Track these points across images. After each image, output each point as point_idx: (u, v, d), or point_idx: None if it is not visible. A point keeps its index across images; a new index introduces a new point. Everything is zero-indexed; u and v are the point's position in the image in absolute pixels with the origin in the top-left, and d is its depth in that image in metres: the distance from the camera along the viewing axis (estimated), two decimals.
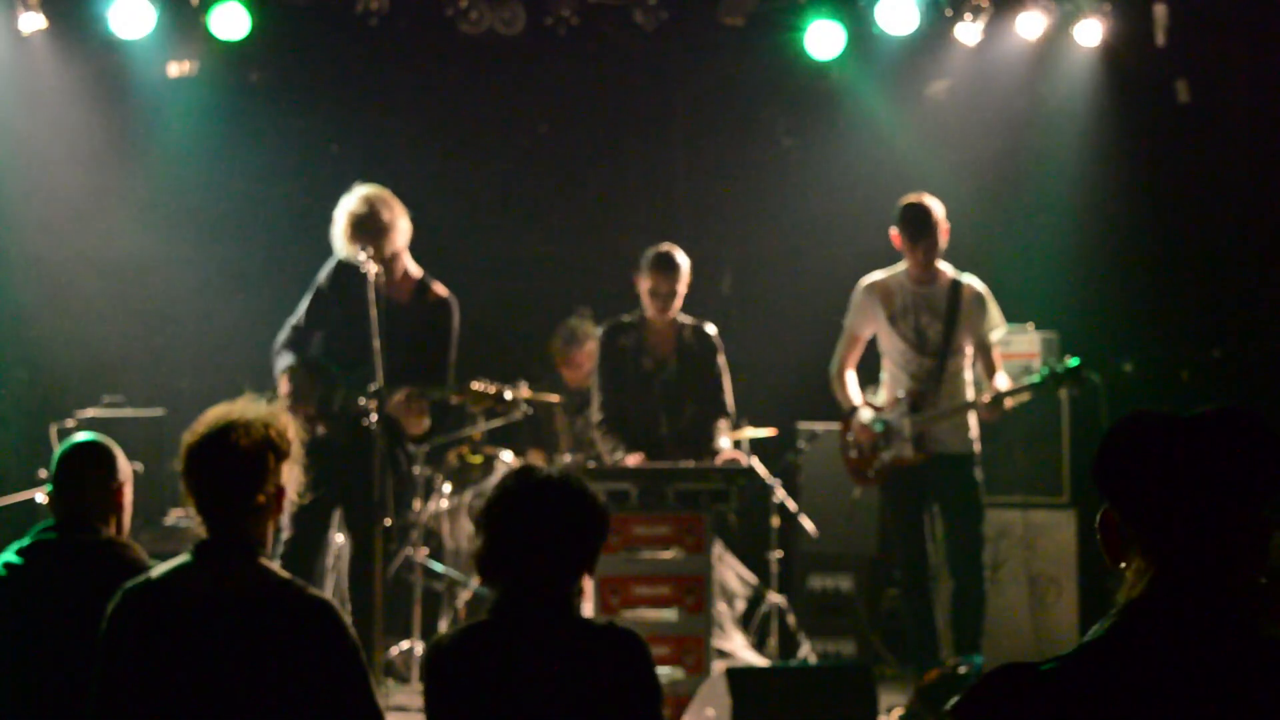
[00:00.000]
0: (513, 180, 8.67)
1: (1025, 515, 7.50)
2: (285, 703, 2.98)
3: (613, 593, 6.09)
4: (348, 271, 6.07)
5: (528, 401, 7.49)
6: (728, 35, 7.86)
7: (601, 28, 7.83)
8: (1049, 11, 7.82)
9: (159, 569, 3.13)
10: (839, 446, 6.84)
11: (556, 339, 8.05)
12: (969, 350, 6.58)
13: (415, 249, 6.25)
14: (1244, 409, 2.03)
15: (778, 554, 7.19)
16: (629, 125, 8.49)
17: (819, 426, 7.74)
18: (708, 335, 6.75)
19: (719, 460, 6.41)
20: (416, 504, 7.14)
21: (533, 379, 7.40)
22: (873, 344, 6.77)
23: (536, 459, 7.75)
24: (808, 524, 7.37)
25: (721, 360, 6.74)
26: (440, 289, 6.18)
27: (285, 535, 5.82)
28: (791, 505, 7.33)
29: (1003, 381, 6.53)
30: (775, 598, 7.13)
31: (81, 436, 3.94)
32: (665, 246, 6.62)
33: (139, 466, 3.97)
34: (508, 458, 7.49)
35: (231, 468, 3.09)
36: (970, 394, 6.55)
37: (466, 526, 7.45)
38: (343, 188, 6.13)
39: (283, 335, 6.16)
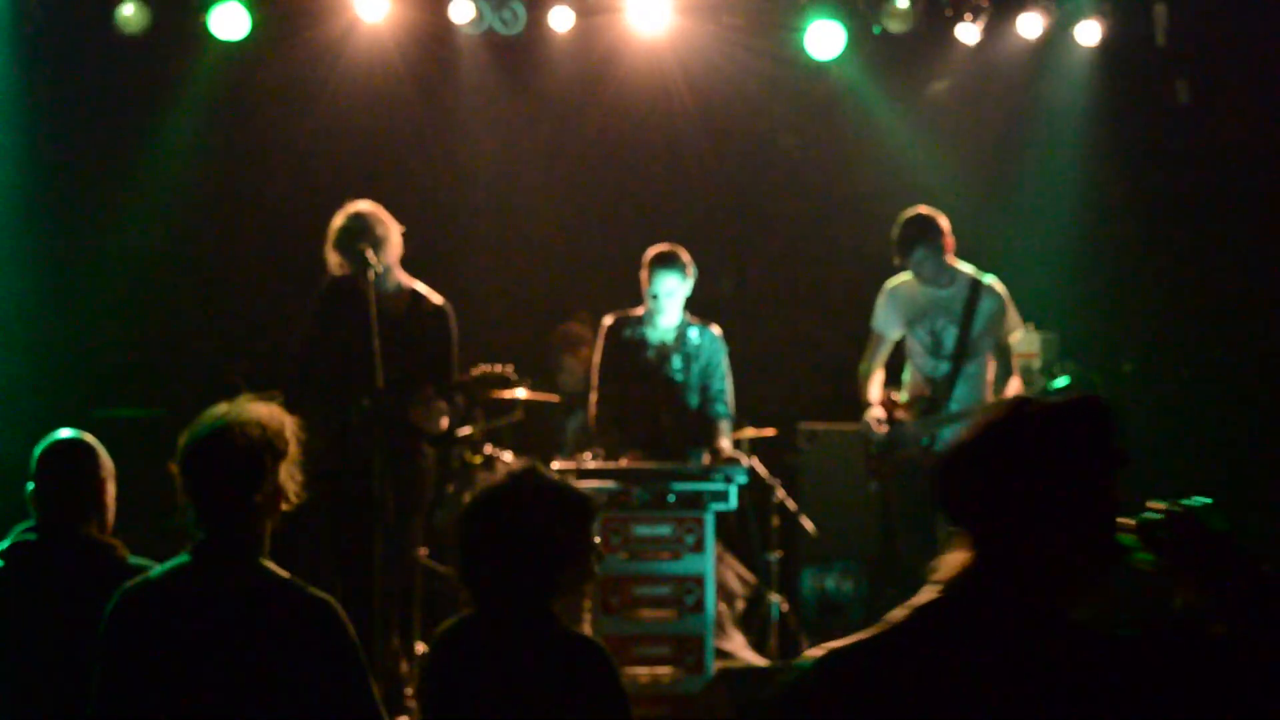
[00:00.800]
0: (513, 180, 8.66)
1: None
2: (286, 702, 2.98)
3: (612, 593, 6.09)
4: (341, 287, 6.10)
5: (527, 402, 7.49)
6: (729, 35, 7.86)
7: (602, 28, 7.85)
8: (1049, 11, 7.82)
9: (157, 569, 3.12)
10: (861, 443, 6.89)
11: (556, 339, 8.05)
12: (988, 353, 6.61)
13: (416, 249, 6.25)
14: (1091, 397, 2.19)
15: (778, 554, 7.19)
16: (630, 126, 8.48)
17: (819, 426, 7.74)
18: (712, 335, 6.76)
19: (719, 460, 6.41)
20: None
21: (531, 380, 7.39)
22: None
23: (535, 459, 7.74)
24: (808, 524, 7.37)
25: (725, 360, 6.75)
26: (435, 297, 6.20)
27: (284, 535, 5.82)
28: (791, 505, 7.32)
29: (1013, 388, 6.55)
30: (775, 598, 7.13)
31: (62, 433, 3.90)
32: (668, 246, 6.63)
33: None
34: (508, 458, 7.49)
35: (229, 467, 3.08)
36: (990, 396, 6.58)
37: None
38: (342, 187, 6.14)
39: (287, 365, 6.19)
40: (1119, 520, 2.13)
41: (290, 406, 5.85)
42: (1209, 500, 2.15)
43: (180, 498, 3.16)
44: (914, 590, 7.54)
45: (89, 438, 3.87)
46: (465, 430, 7.46)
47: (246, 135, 8.29)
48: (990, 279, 6.67)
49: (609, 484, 6.24)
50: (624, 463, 6.38)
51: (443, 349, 6.14)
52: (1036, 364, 7.01)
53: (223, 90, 8.08)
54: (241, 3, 7.37)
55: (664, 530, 6.18)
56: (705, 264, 6.88)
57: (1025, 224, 8.13)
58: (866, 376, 6.80)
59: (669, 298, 6.56)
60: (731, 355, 6.82)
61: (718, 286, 8.00)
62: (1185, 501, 2.16)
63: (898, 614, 2.10)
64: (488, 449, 7.49)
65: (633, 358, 6.68)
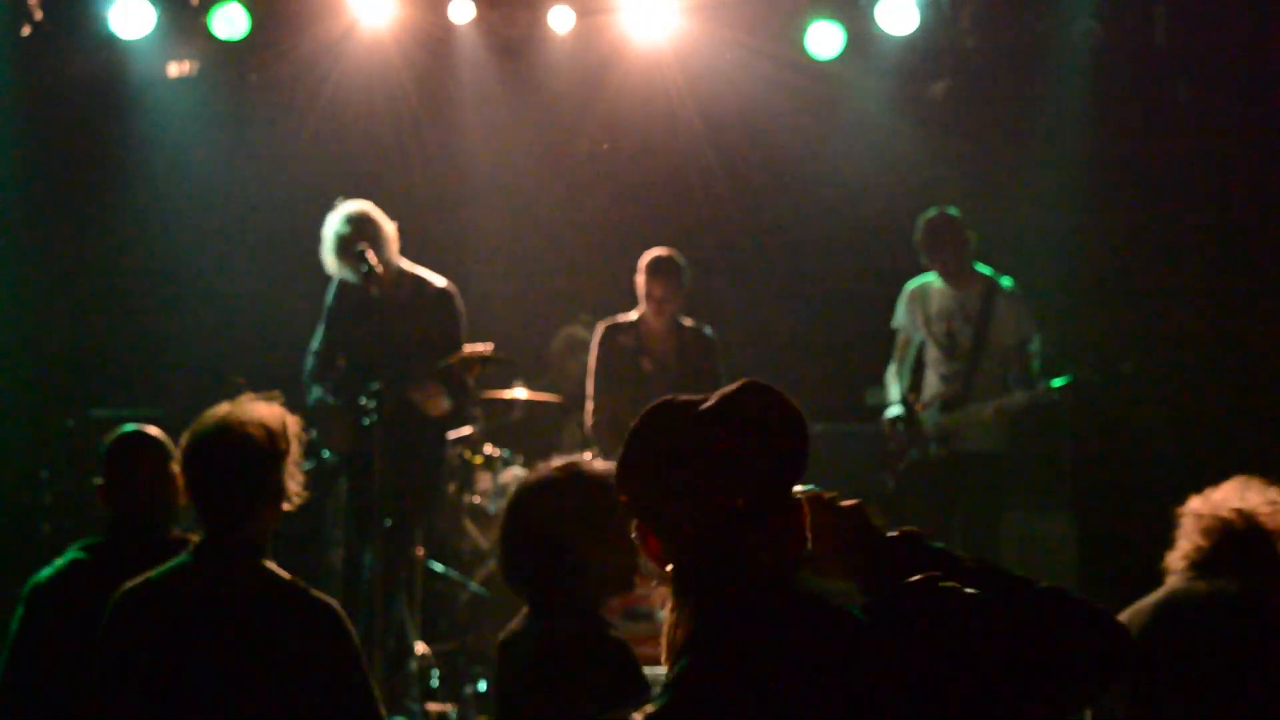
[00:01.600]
0: (514, 180, 8.66)
1: (1025, 515, 7.50)
2: (286, 703, 2.98)
3: None
4: (348, 288, 6.14)
5: (527, 402, 7.50)
6: (729, 35, 7.86)
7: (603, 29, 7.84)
8: (1048, 11, 7.81)
9: (158, 569, 3.12)
10: (877, 442, 6.96)
11: (557, 344, 8.04)
12: (1002, 354, 6.67)
13: (415, 250, 6.25)
14: (759, 384, 2.10)
15: None
16: (630, 126, 8.48)
17: (819, 426, 7.74)
18: (707, 337, 6.76)
19: None
20: None
21: (531, 380, 7.39)
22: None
23: (535, 459, 7.75)
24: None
25: (720, 363, 6.75)
26: (438, 280, 6.22)
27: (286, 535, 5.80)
28: None
29: (1022, 389, 6.60)
30: None
31: (130, 427, 3.86)
32: (663, 250, 6.64)
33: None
34: (508, 457, 7.49)
35: (230, 468, 3.08)
36: (1004, 396, 6.65)
37: (467, 526, 7.44)
38: (342, 188, 6.13)
39: (308, 364, 6.23)
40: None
41: (315, 404, 5.92)
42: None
43: (182, 498, 3.16)
44: None
45: (158, 432, 3.84)
46: (465, 430, 7.46)
47: (246, 135, 8.28)
48: (1008, 282, 6.73)
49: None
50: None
51: (450, 331, 6.15)
52: (1036, 364, 7.02)
53: (223, 90, 8.07)
54: (241, 3, 7.36)
55: None
56: (704, 264, 6.88)
57: (1025, 224, 8.12)
58: (893, 377, 6.88)
59: (665, 302, 6.58)
60: (731, 355, 6.82)
61: (717, 286, 8.01)
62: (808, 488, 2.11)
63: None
64: (488, 449, 7.49)
65: (628, 362, 6.69)
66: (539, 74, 8.24)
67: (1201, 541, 3.59)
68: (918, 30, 7.72)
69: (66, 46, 7.65)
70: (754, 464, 2.00)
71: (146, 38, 7.43)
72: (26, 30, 7.44)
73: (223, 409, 3.16)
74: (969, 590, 1.96)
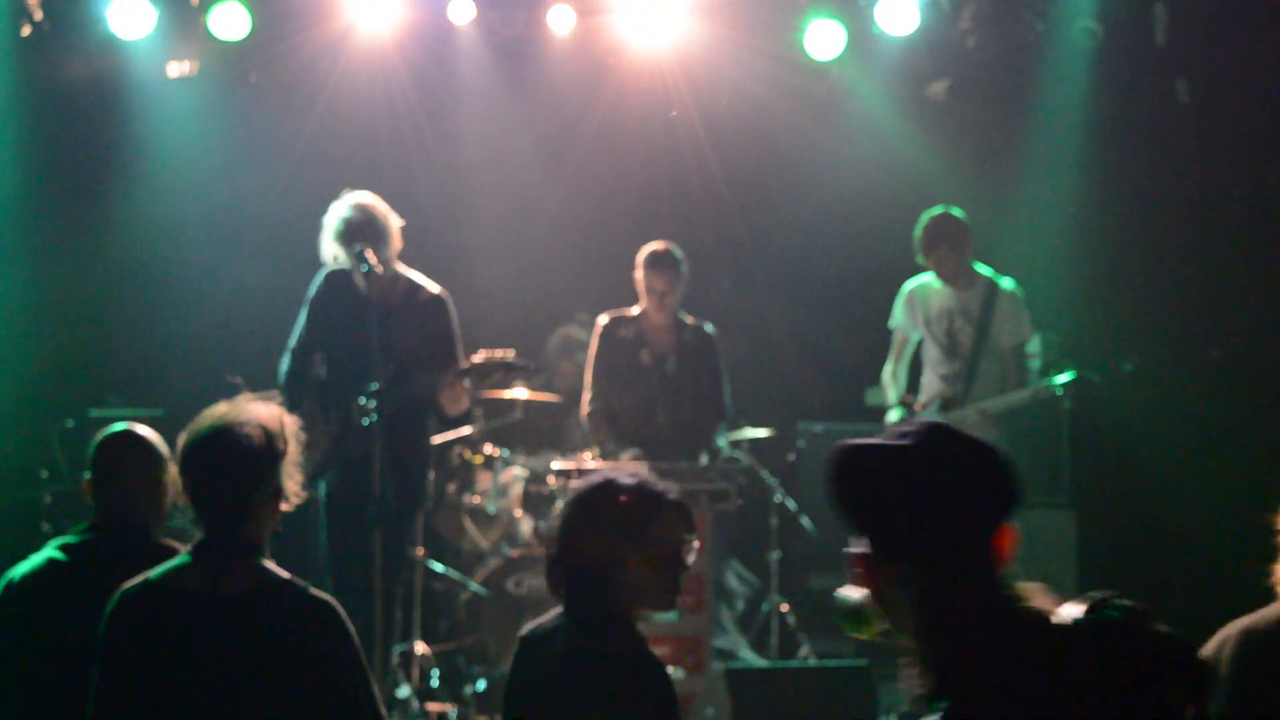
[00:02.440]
0: (513, 180, 8.66)
1: (1025, 515, 7.47)
2: (286, 703, 2.98)
3: None
4: (337, 281, 6.06)
5: (527, 402, 7.49)
6: (729, 35, 7.87)
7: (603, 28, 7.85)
8: (1049, 11, 7.81)
9: (157, 569, 3.12)
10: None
11: (553, 344, 8.05)
12: (1002, 354, 6.67)
13: (415, 250, 6.24)
14: (945, 427, 2.08)
15: (778, 554, 7.19)
16: (630, 126, 8.48)
17: (819, 426, 7.74)
18: (707, 334, 6.77)
19: (716, 460, 6.42)
20: None
21: (529, 379, 7.39)
22: None
23: (535, 458, 7.76)
24: (808, 524, 7.37)
25: (720, 360, 6.76)
26: (432, 287, 6.16)
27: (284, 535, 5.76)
28: (791, 505, 7.33)
29: (1021, 389, 6.60)
30: (775, 598, 7.13)
31: (119, 425, 3.82)
32: (661, 244, 6.65)
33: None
34: (508, 457, 7.49)
35: (229, 467, 3.08)
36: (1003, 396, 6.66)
37: (467, 526, 7.44)
38: (342, 188, 6.12)
39: (284, 365, 6.11)
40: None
41: (290, 404, 5.85)
42: None
43: (181, 498, 3.16)
44: None
45: (142, 428, 3.79)
46: (465, 430, 7.46)
47: (246, 135, 8.29)
48: (1008, 282, 6.74)
49: None
50: (623, 461, 6.38)
51: (445, 337, 6.09)
52: (1037, 364, 7.03)
53: (223, 90, 8.07)
54: (241, 3, 7.37)
55: None
56: (705, 264, 6.89)
57: (1025, 224, 8.12)
58: (892, 378, 6.87)
59: (665, 295, 6.58)
60: (731, 355, 6.83)
61: (717, 286, 8.01)
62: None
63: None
64: (488, 449, 7.49)
65: (628, 357, 6.69)
66: (539, 74, 8.24)
67: None
68: (918, 30, 7.72)
69: (66, 46, 7.65)
70: (1000, 495, 2.06)
71: (146, 38, 7.44)
72: (26, 30, 7.44)
73: (221, 409, 3.15)
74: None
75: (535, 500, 7.29)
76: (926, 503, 1.99)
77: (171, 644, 3.00)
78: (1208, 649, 3.29)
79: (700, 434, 6.64)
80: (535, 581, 6.93)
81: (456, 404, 6.02)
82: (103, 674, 3.04)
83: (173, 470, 3.70)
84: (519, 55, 8.13)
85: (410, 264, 6.22)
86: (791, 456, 7.64)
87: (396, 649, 6.14)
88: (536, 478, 7.37)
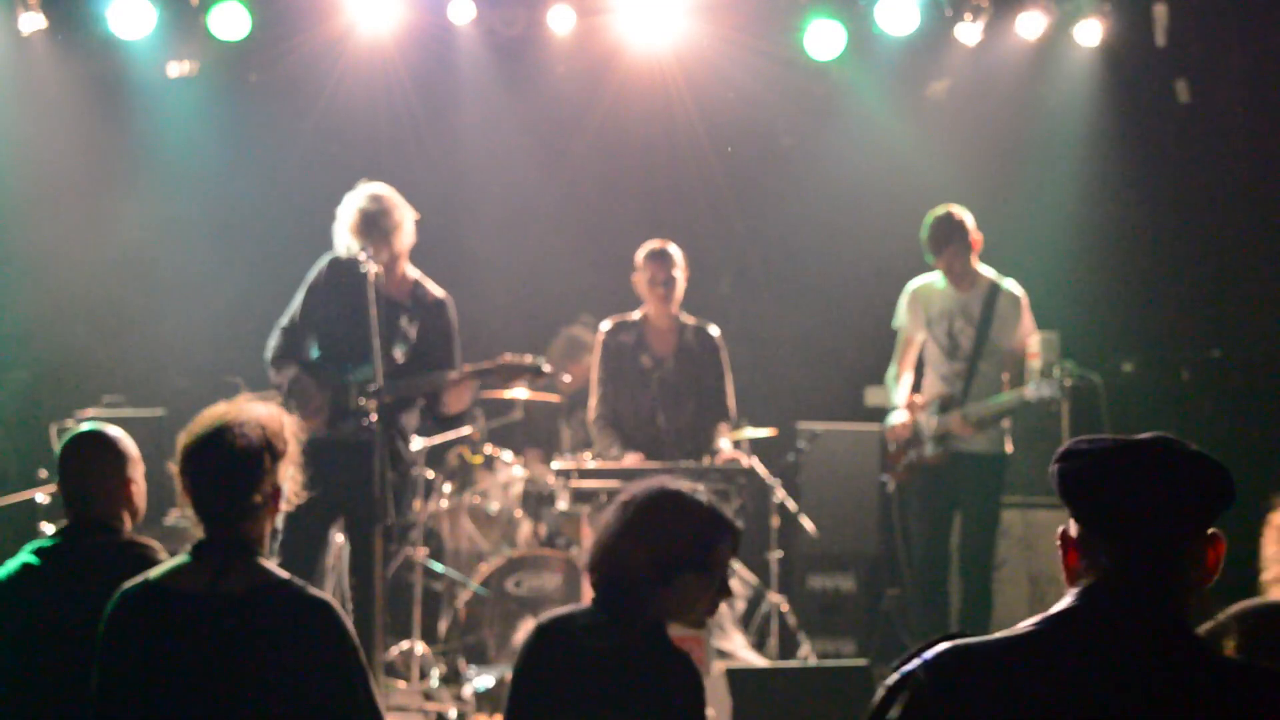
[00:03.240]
0: (513, 180, 8.66)
1: (1025, 515, 7.51)
2: (285, 702, 2.97)
3: None
4: (342, 268, 6.00)
5: (527, 402, 7.50)
6: (729, 35, 7.87)
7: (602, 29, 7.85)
8: (1049, 11, 7.82)
9: (157, 569, 3.12)
10: (879, 443, 6.98)
11: (558, 345, 8.05)
12: (1003, 355, 6.67)
13: (415, 250, 6.24)
14: (1176, 440, 2.22)
15: (778, 554, 7.19)
16: (630, 126, 8.48)
17: (819, 426, 7.74)
18: (710, 336, 6.76)
19: (719, 460, 6.42)
20: (416, 504, 7.14)
21: (551, 385, 7.39)
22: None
23: (535, 458, 7.76)
24: (808, 524, 7.37)
25: (724, 361, 6.76)
26: (435, 289, 6.14)
27: (283, 535, 5.72)
28: (791, 505, 7.32)
29: (1027, 389, 6.60)
30: (775, 598, 7.13)
31: (84, 426, 3.80)
32: (658, 241, 6.67)
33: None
34: (508, 458, 7.49)
35: (228, 467, 3.08)
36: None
37: (467, 526, 7.44)
38: (342, 188, 6.11)
39: (275, 341, 6.05)
40: None
41: (294, 381, 5.81)
42: None
43: (180, 498, 3.15)
44: (923, 586, 7.58)
45: (111, 428, 3.76)
46: (465, 430, 7.46)
47: (246, 135, 8.29)
48: (1010, 283, 6.74)
49: (609, 484, 6.24)
50: (624, 462, 6.38)
51: (444, 340, 6.07)
52: (1037, 364, 7.02)
53: (223, 90, 8.07)
54: (241, 3, 7.37)
55: None
56: (705, 264, 6.89)
57: (1025, 224, 8.13)
58: (894, 379, 6.88)
59: (668, 285, 6.59)
60: (731, 355, 6.83)
61: (717, 286, 8.01)
62: None
63: (1028, 622, 2.16)
64: (488, 449, 7.49)
65: (631, 360, 6.69)
66: (539, 74, 8.24)
67: None
68: (918, 30, 7.72)
69: (66, 46, 7.65)
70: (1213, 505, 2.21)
71: (146, 38, 7.44)
72: (27, 30, 7.44)
73: (220, 409, 3.15)
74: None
75: (535, 500, 7.30)
76: (1148, 496, 2.19)
77: (170, 644, 3.00)
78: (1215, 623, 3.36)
79: (702, 435, 6.64)
80: (535, 581, 6.94)
81: (460, 403, 6.01)
82: (102, 674, 3.04)
83: (141, 468, 3.73)
84: (519, 55, 8.13)
85: (410, 264, 6.22)
86: (791, 456, 7.64)
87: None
88: (536, 478, 7.38)
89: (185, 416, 3.25)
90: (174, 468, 3.16)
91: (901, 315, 6.87)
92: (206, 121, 8.16)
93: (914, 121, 8.42)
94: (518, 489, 7.38)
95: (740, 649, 6.92)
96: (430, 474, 7.37)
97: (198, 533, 3.12)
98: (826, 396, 8.52)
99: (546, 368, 6.00)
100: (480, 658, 6.86)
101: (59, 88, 7.81)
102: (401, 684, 6.71)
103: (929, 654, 2.13)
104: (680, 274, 6.63)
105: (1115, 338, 7.97)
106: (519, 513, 7.37)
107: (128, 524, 3.71)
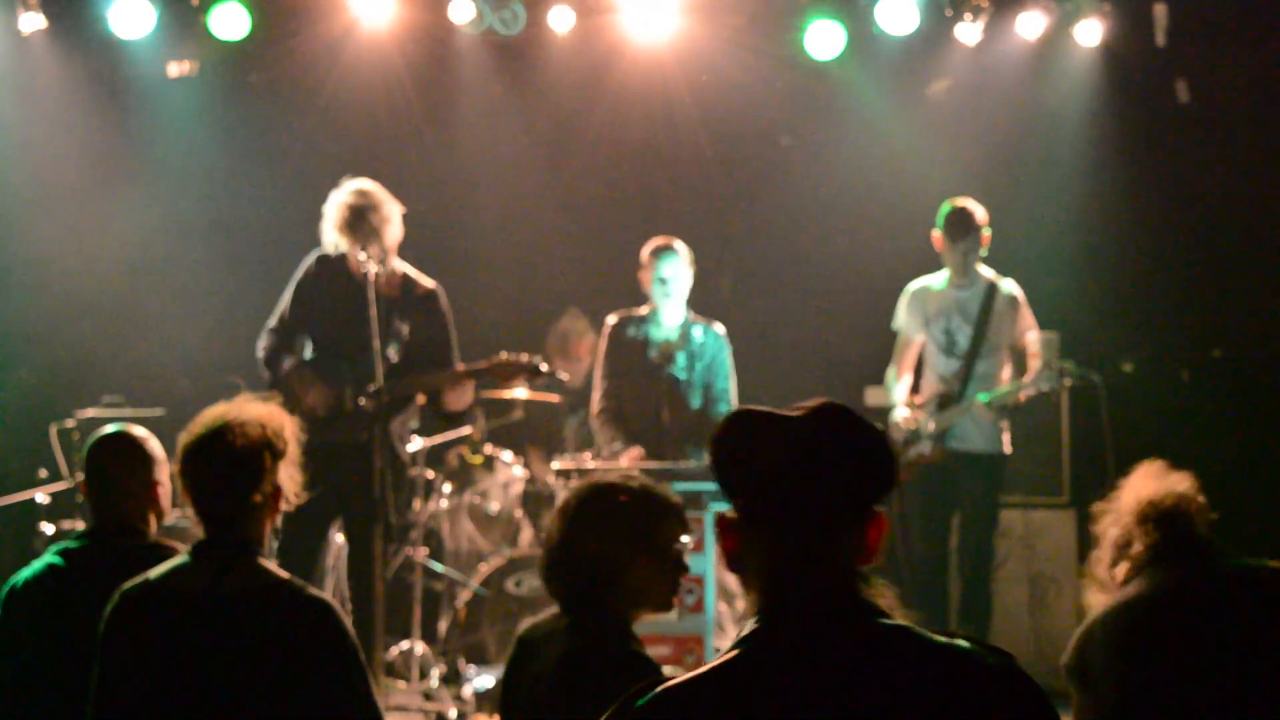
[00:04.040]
0: (514, 180, 8.66)
1: (1025, 515, 7.50)
2: (285, 702, 2.97)
3: None
4: (331, 266, 5.96)
5: (527, 402, 7.49)
6: (729, 35, 7.87)
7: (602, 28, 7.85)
8: (1049, 11, 7.81)
9: (157, 569, 3.12)
10: None
11: (551, 339, 8.04)
12: (1000, 353, 6.68)
13: (415, 249, 6.24)
14: (840, 406, 2.07)
15: None
16: (630, 126, 8.49)
17: None
18: (717, 334, 6.76)
19: None
20: (416, 504, 7.14)
21: (550, 384, 7.39)
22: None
23: (535, 458, 7.76)
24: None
25: (729, 359, 6.76)
26: (426, 281, 6.09)
27: (282, 535, 5.70)
28: None
29: (1026, 379, 6.61)
30: None
31: (110, 427, 3.80)
32: (664, 237, 6.66)
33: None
34: (508, 458, 7.49)
35: (228, 467, 3.08)
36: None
37: (466, 526, 7.44)
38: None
39: (264, 342, 6.01)
40: None
41: (291, 371, 5.79)
42: None
43: (180, 497, 3.15)
44: (922, 586, 7.58)
45: (137, 429, 3.76)
46: (465, 430, 7.46)
47: (246, 135, 8.29)
48: (1008, 283, 6.74)
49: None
50: (624, 461, 6.38)
51: (440, 332, 6.03)
52: (1037, 364, 7.03)
53: (223, 90, 8.07)
54: (241, 3, 7.37)
55: None
56: (705, 264, 6.88)
57: (1025, 224, 8.13)
58: (894, 379, 6.87)
59: (674, 281, 6.59)
60: (733, 354, 6.82)
61: (717, 286, 8.00)
62: None
63: (727, 649, 1.97)
64: (488, 449, 7.49)
65: (636, 356, 6.69)
66: (539, 74, 8.24)
67: (1152, 535, 3.50)
68: (918, 30, 7.72)
69: (66, 46, 7.65)
70: (878, 481, 2.05)
71: (146, 38, 7.44)
72: (27, 30, 7.45)
73: (220, 409, 3.15)
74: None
75: (535, 500, 7.29)
76: (787, 473, 1.99)
77: (170, 644, 3.00)
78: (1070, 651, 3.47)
79: (706, 433, 6.63)
80: (535, 581, 6.93)
81: (460, 401, 5.98)
82: (102, 673, 3.04)
83: (167, 470, 3.72)
84: (519, 55, 8.13)
85: (410, 264, 6.21)
86: None
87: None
88: (536, 478, 7.38)
89: (185, 416, 3.25)
90: (174, 468, 3.16)
91: (900, 316, 6.87)
92: (206, 121, 8.16)
93: (914, 121, 8.41)
94: (518, 489, 7.38)
95: None
96: (430, 474, 7.36)
97: (198, 532, 3.13)
98: (826, 396, 8.50)
99: (544, 367, 5.98)
100: (480, 658, 6.86)
101: (59, 88, 7.81)
102: (401, 684, 6.71)
103: (638, 702, 1.95)
104: (686, 271, 6.63)
105: (1115, 338, 7.97)
106: (519, 513, 7.37)
107: (153, 526, 3.71)
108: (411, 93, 8.24)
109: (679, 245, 6.63)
